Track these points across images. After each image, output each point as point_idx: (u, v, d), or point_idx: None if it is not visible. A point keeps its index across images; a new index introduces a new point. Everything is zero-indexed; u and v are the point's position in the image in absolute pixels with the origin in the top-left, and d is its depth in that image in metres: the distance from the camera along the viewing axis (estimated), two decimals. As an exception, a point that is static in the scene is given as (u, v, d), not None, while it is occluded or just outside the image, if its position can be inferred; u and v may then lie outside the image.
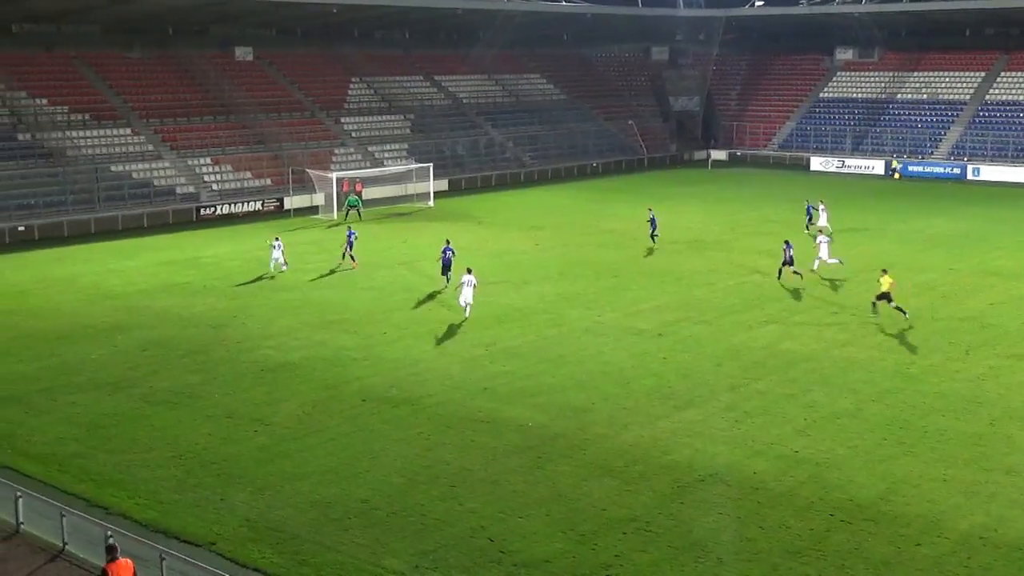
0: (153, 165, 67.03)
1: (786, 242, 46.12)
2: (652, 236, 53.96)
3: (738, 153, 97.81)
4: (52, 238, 57.77)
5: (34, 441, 27.59)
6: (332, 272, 47.75)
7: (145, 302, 42.46)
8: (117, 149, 67.11)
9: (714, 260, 50.78)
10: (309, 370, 33.30)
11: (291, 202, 67.55)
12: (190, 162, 68.91)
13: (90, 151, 65.92)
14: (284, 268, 48.30)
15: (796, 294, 43.53)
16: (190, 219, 63.70)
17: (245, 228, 61.48)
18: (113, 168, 65.14)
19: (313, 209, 66.80)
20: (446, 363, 33.89)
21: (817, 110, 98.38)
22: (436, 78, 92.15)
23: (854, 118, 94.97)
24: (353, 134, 79.82)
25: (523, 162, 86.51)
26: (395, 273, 47.82)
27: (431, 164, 72.26)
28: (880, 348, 35.57)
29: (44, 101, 68.04)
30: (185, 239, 57.65)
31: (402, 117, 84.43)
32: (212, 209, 64.97)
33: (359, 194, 66.53)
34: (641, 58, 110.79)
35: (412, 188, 72.51)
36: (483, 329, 37.99)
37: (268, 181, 70.18)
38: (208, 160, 69.70)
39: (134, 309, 41.25)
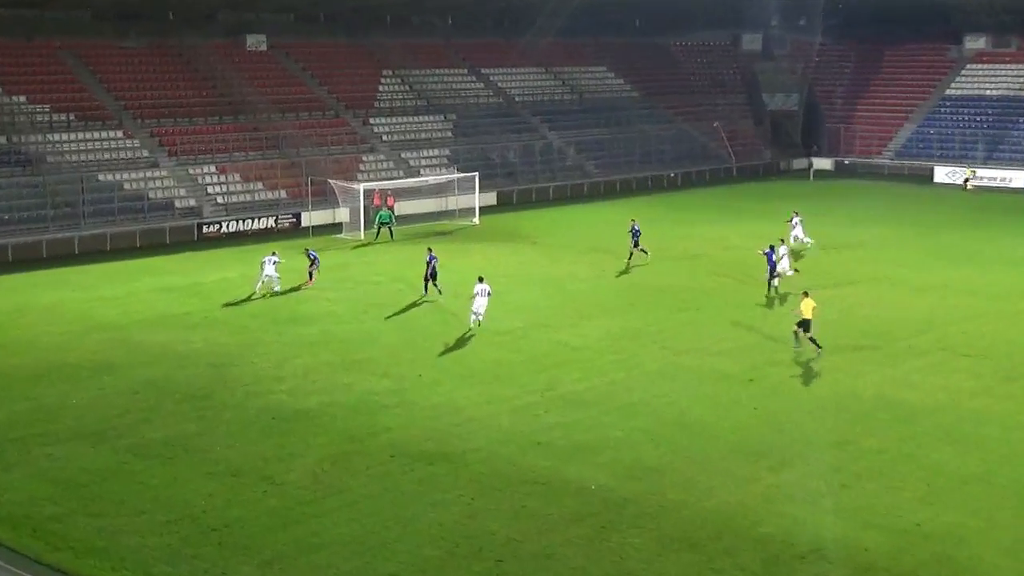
0: (148, 174, 67.81)
1: (771, 248, 49.75)
2: (631, 252, 55.86)
3: (846, 162, 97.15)
4: (29, 260, 58.52)
5: (3, 501, 27.81)
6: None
7: (136, 336, 42.78)
8: (106, 155, 68.01)
9: (815, 290, 50.17)
10: (329, 419, 33.34)
11: (310, 218, 68.01)
12: (192, 171, 69.71)
13: (75, 157, 66.83)
14: (276, 288, 48.80)
15: (917, 331, 43.00)
16: (191, 238, 64.38)
17: (255, 249, 61.78)
18: (101, 177, 66.01)
19: (336, 227, 67.21)
20: (493, 412, 33.79)
21: (942, 110, 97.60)
22: (483, 71, 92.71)
23: (987, 120, 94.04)
24: (384, 138, 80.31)
25: (586, 172, 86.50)
26: (433, 304, 47.93)
27: (476, 174, 72.46)
28: (1018, 399, 35.02)
29: (22, 99, 69.18)
30: (185, 262, 58.22)
31: (442, 118, 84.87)
32: (217, 226, 65.63)
33: (391, 209, 66.80)
34: (729, 48, 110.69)
35: (454, 202, 72.73)
36: (537, 372, 37.87)
37: (283, 193, 70.76)
38: (213, 168, 70.43)
39: (124, 344, 41.57)
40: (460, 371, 37.97)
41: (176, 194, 67.42)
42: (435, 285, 48.30)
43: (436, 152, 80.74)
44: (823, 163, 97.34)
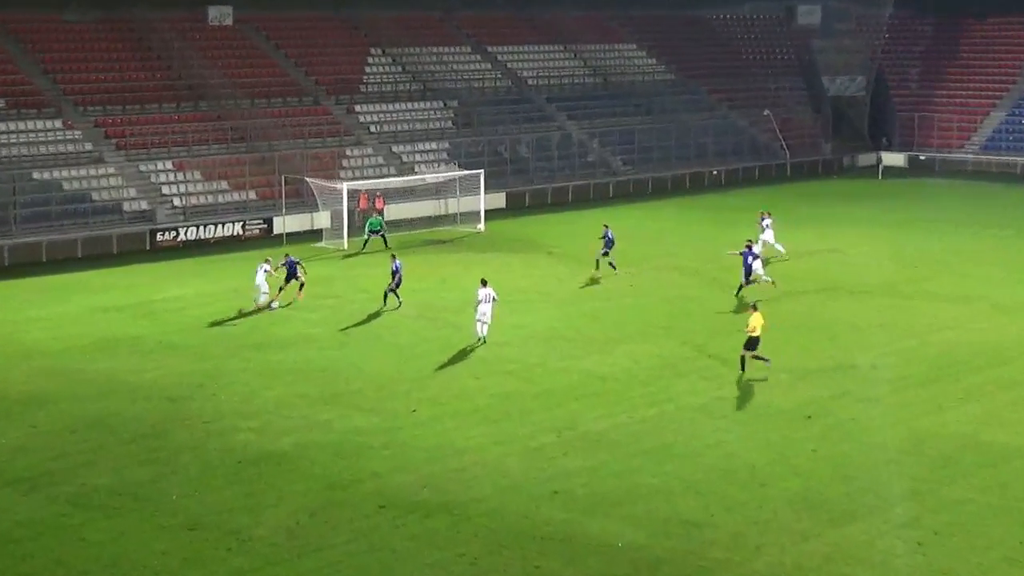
0: (92, 171, 68.04)
1: (748, 247, 52.45)
2: (598, 261, 56.75)
3: (921, 157, 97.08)
4: (-49, 273, 58.74)
5: (-80, 559, 27.84)
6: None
7: (77, 364, 42.79)
8: (43, 148, 68.21)
9: (885, 311, 50.40)
10: (307, 463, 33.30)
11: (284, 224, 68.02)
12: (144, 167, 69.86)
13: (5, 152, 67.01)
14: (262, 301, 49.40)
15: (1005, 359, 42.89)
16: (142, 247, 64.45)
17: (219, 260, 62.07)
18: (37, 175, 66.20)
19: (315, 234, 67.27)
20: (501, 454, 33.74)
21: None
22: (490, 49, 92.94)
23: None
24: (372, 129, 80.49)
25: (612, 169, 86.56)
26: (430, 326, 47.92)
27: (481, 171, 72.48)
28: None
29: (-56, 82, 69.66)
30: (135, 275, 58.26)
31: (441, 105, 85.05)
32: (173, 233, 65.69)
33: (381, 212, 66.88)
34: (782, 21, 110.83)
35: (455, 205, 72.85)
36: (554, 406, 37.82)
37: (252, 195, 70.89)
38: (168, 165, 70.54)
39: (61, 374, 41.56)
40: (462, 406, 37.94)
41: (125, 195, 67.56)
42: (396, 295, 50.42)
43: (434, 146, 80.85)
44: (894, 159, 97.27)
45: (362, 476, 32.25)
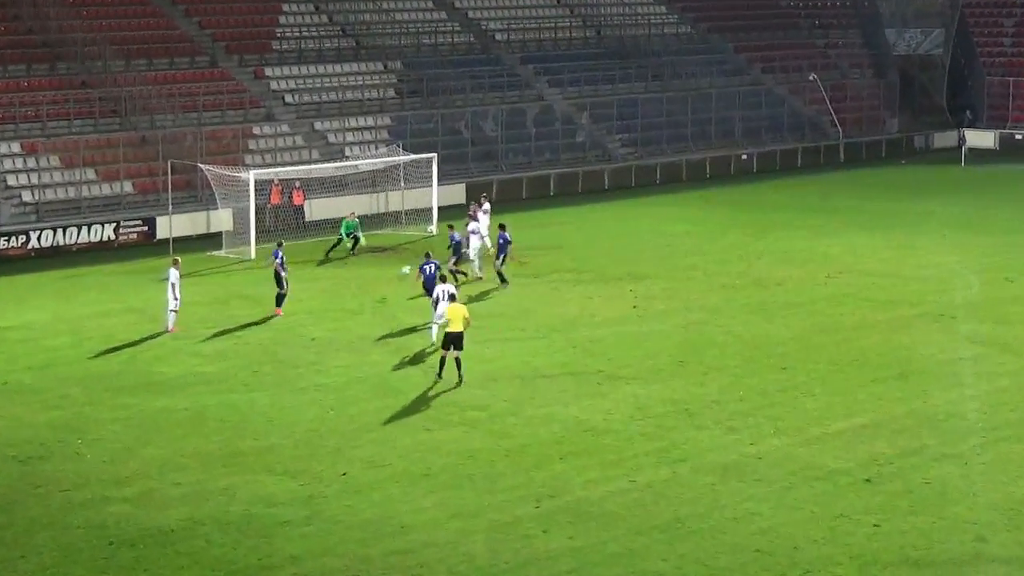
0: (-85, 156, 68.10)
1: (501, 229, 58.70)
2: (494, 265, 59.55)
3: (1017, 136, 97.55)
4: None
5: None
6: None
7: None
8: None
9: (972, 340, 50.55)
10: (200, 543, 33.07)
11: (170, 225, 67.68)
12: (-17, 150, 69.91)
13: None
14: (171, 319, 50.18)
15: None
16: (-19, 257, 64.49)
17: (84, 274, 61.93)
18: None
19: (213, 239, 67.22)
20: (461, 532, 33.58)
21: None
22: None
23: None
24: (288, 99, 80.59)
25: (609, 152, 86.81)
26: (364, 360, 47.90)
27: (434, 155, 72.79)
28: None
29: None
30: (-29, 294, 58.23)
31: (381, 67, 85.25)
32: (22, 239, 65.62)
33: (300, 207, 67.48)
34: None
35: (398, 200, 72.93)
36: (533, 468, 37.69)
37: (128, 186, 70.90)
38: (16, 147, 70.49)
39: None
40: (409, 468, 37.75)
41: (-42, 187, 67.66)
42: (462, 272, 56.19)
43: (371, 122, 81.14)
44: (981, 138, 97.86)
45: (274, 561, 32.00)
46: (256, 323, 52.62)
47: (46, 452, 39.12)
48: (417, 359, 47.26)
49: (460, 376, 44.42)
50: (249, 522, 34.21)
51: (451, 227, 61.07)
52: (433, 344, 46.50)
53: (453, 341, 44.36)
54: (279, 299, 53.54)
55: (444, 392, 44.09)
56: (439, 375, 44.78)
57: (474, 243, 60.41)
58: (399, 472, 37.45)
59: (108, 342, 49.93)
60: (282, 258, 53.74)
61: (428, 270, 51.91)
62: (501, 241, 58.91)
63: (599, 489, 36.28)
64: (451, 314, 44.70)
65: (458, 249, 59.68)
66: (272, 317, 53.05)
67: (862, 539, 33.29)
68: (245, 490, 36.19)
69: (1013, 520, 34.42)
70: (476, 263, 60.30)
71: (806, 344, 49.82)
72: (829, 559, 32.20)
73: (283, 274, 53.37)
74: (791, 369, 46.79)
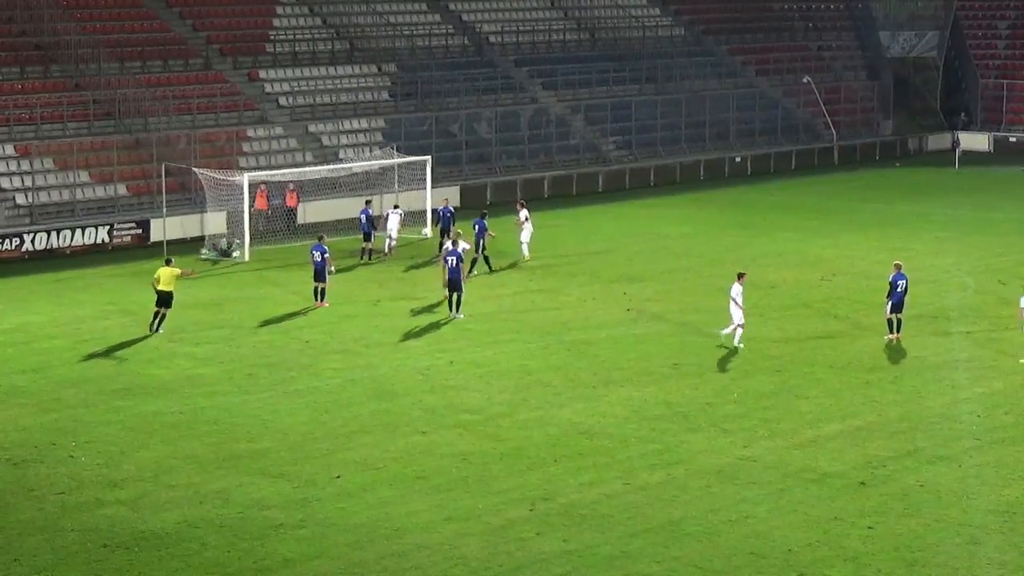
0: (-93, 158, 67.97)
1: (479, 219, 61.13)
2: (486, 258, 61.49)
3: (1012, 139, 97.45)
4: None
5: None
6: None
7: None
8: None
9: (966, 343, 50.60)
10: (195, 546, 33.04)
11: (164, 228, 67.72)
12: (-24, 153, 69.79)
13: None
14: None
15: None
16: (-28, 260, 64.40)
17: (77, 277, 61.80)
18: None
19: (203, 241, 67.17)
20: (455, 535, 33.55)
21: None
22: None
23: None
24: (282, 101, 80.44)
25: (603, 154, 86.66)
26: (358, 363, 47.85)
27: (428, 158, 72.62)
28: None
29: None
30: (-36, 297, 58.14)
31: (375, 70, 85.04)
32: (16, 242, 65.40)
33: (294, 209, 67.62)
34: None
35: (392, 202, 72.60)
36: (527, 471, 37.68)
37: (122, 189, 70.71)
38: (10, 150, 70.27)
39: None
40: (403, 471, 37.73)
41: (-49, 190, 67.50)
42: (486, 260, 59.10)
43: (365, 124, 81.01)
44: (976, 140, 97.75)
45: (267, 565, 31.97)
46: (244, 326, 52.60)
47: (40, 455, 39.06)
48: (408, 367, 47.21)
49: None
50: (243, 525, 34.19)
51: (446, 200, 63.54)
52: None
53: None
54: (322, 293, 54.41)
55: (434, 395, 44.15)
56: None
57: (527, 230, 64.19)
58: (393, 475, 37.44)
59: (102, 345, 49.85)
60: (325, 252, 54.62)
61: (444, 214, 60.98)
62: (477, 228, 60.25)
63: (593, 492, 36.29)
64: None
65: (447, 220, 62.89)
66: (311, 309, 54.45)
67: (856, 542, 33.31)
68: (239, 493, 36.18)
69: (1007, 523, 34.45)
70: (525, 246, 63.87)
71: (800, 346, 49.84)
72: (823, 562, 32.21)
73: (331, 268, 54.92)
74: (785, 372, 46.81)
